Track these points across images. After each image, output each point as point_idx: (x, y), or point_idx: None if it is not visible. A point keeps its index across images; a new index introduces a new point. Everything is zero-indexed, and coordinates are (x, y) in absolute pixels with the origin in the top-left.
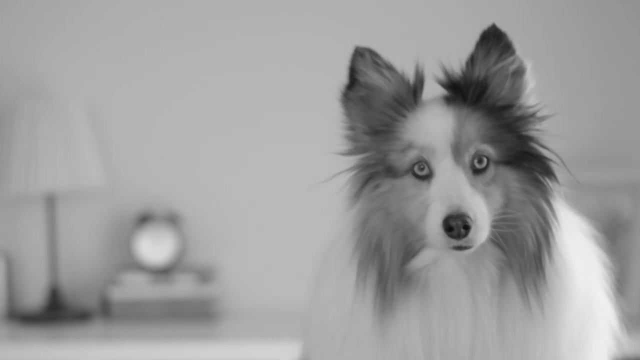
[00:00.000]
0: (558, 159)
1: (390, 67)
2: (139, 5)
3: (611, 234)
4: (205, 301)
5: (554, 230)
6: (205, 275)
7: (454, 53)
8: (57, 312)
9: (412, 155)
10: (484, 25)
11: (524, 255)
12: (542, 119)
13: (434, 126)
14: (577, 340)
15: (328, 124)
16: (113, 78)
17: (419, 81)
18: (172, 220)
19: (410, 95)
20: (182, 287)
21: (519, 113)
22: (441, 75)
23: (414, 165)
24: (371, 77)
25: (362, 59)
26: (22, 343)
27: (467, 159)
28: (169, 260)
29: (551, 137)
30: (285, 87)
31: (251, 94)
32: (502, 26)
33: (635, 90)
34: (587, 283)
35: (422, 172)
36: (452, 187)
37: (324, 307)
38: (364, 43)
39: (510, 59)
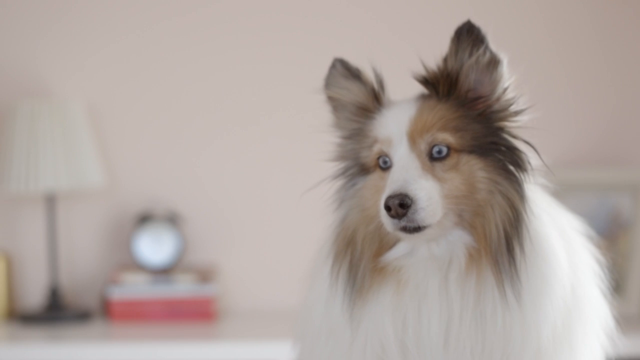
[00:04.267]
0: (533, 150)
1: (357, 75)
2: (138, 5)
3: (611, 234)
4: (205, 301)
5: (525, 219)
6: (205, 275)
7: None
8: (57, 312)
9: (376, 149)
10: (484, 23)
11: (494, 243)
12: (519, 112)
13: (392, 119)
14: (560, 332)
15: (328, 125)
16: (113, 78)
17: (379, 83)
18: (172, 220)
19: (371, 99)
20: (182, 287)
21: (494, 105)
22: (418, 73)
23: (378, 158)
24: (334, 90)
25: (334, 70)
26: (22, 343)
27: (422, 146)
28: (169, 260)
29: (541, 133)
30: (287, 86)
31: (252, 93)
32: (504, 26)
33: (636, 91)
34: (573, 276)
35: (386, 164)
36: (399, 172)
37: (311, 305)
38: (360, 43)
39: (482, 49)
